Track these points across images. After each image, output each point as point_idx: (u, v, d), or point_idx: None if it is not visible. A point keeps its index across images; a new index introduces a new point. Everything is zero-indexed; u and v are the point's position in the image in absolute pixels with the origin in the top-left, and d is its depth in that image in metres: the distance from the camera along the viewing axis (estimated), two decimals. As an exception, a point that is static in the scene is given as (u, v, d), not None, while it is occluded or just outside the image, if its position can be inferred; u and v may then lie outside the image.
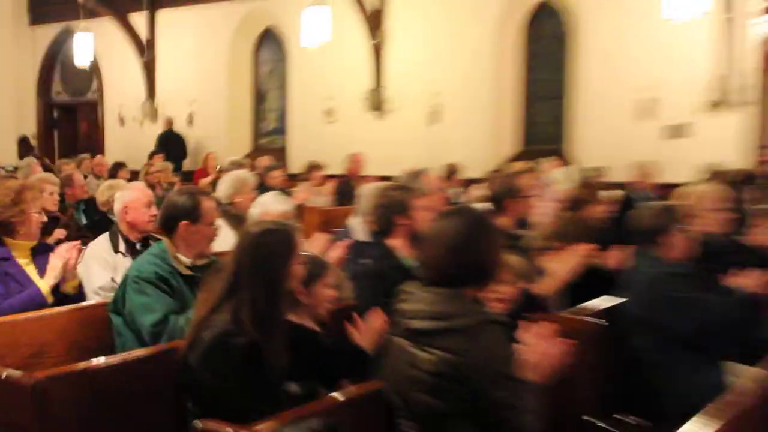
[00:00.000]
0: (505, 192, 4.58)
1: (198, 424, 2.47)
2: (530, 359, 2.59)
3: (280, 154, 13.57)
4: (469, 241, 2.60)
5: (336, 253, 4.04)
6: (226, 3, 14.32)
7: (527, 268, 3.80)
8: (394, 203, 3.95)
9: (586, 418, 3.31)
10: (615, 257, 4.62)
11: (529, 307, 3.52)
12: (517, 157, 11.22)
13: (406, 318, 2.62)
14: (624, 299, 3.96)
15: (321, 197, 8.99)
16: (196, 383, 2.85)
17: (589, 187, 5.70)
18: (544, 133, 12.33)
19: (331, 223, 6.68)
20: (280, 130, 14.81)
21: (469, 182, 9.11)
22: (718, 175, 7.22)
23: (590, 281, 4.39)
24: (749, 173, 7.19)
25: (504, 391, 2.47)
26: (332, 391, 2.87)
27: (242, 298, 2.79)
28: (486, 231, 2.67)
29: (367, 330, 3.11)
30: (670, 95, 10.44)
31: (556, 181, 8.08)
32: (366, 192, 4.39)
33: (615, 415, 3.26)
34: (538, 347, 2.61)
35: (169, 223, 3.65)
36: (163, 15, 15.22)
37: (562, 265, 4.07)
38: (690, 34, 10.00)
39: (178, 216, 3.61)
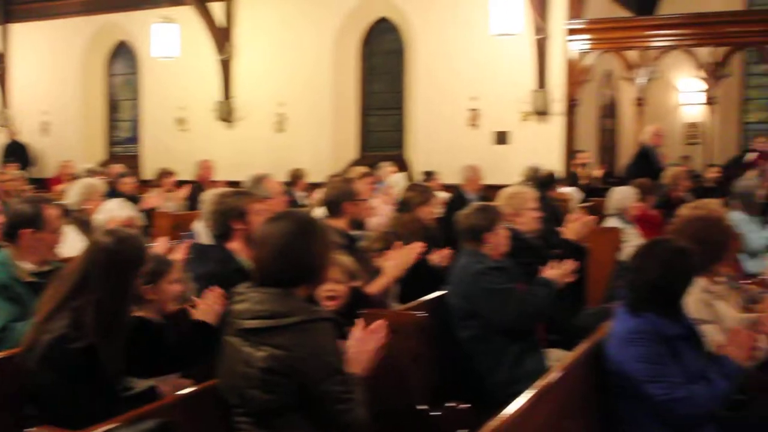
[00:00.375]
0: (342, 195, 4.72)
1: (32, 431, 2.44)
2: (356, 354, 2.73)
3: (133, 162, 13.90)
4: (296, 243, 2.71)
5: (177, 255, 4.06)
6: (79, 17, 14.65)
7: (359, 268, 3.95)
8: (230, 209, 4.03)
9: (419, 407, 3.44)
10: (444, 255, 4.88)
11: (361, 304, 3.66)
12: (358, 163, 11.63)
13: (239, 318, 2.69)
14: (450, 293, 4.20)
15: (172, 202, 9.05)
16: (35, 388, 2.83)
17: (422, 190, 5.96)
18: (384, 140, 13.16)
19: (181, 227, 6.78)
20: (134, 139, 15.23)
21: (313, 186, 9.36)
22: (533, 178, 7.77)
23: (421, 278, 4.63)
24: (554, 175, 7.76)
25: (333, 385, 2.59)
26: (184, 379, 2.90)
27: (87, 300, 2.80)
28: (312, 233, 2.78)
29: (206, 305, 3.14)
30: (494, 105, 11.36)
31: (392, 184, 8.37)
32: (206, 198, 4.43)
33: (447, 404, 3.41)
34: (363, 342, 2.76)
35: (12, 231, 3.63)
36: (16, 29, 15.44)
37: (394, 264, 4.24)
38: (511, 50, 10.92)
39: (21, 224, 3.61)
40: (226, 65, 13.33)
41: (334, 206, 4.70)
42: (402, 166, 11.49)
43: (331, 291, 3.58)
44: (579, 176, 9.99)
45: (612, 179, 10.71)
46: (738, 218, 6.49)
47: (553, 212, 6.61)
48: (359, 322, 2.85)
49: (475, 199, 7.38)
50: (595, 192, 9.23)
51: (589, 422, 3.22)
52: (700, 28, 10.86)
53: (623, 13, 13.23)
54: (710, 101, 11.01)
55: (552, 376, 2.91)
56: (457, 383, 4.05)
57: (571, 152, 11.07)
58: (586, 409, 3.21)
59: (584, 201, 8.62)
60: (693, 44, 10.89)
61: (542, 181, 7.44)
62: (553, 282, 4.10)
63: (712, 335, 3.51)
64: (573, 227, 4.91)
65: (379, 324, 2.81)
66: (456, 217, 4.46)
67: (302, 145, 12.65)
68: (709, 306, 3.70)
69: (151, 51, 12.92)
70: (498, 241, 4.23)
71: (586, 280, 5.64)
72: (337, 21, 12.66)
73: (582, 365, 3.18)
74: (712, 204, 5.18)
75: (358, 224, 4.76)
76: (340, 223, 4.57)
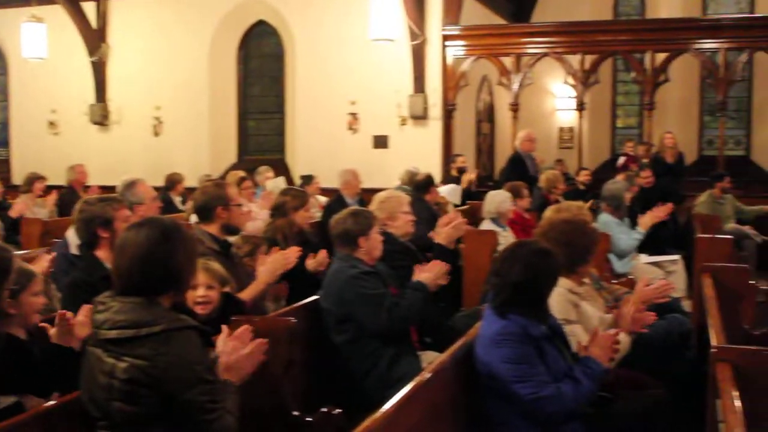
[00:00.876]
0: (214, 200, 4.61)
1: None
2: (231, 361, 2.68)
3: (3, 166, 13.73)
4: (158, 251, 2.63)
5: (42, 265, 3.97)
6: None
7: (229, 273, 3.89)
8: (95, 216, 3.93)
9: (292, 413, 3.41)
10: (320, 259, 4.87)
11: (233, 310, 3.61)
12: (236, 167, 11.52)
13: (100, 328, 2.59)
14: (324, 298, 4.18)
15: (43, 208, 8.78)
16: None
17: (297, 194, 5.92)
18: (264, 145, 13.17)
19: (51, 234, 6.69)
20: (4, 143, 14.76)
21: (191, 191, 9.19)
22: (411, 181, 7.88)
23: (298, 283, 4.60)
24: (431, 178, 7.91)
25: (199, 394, 2.52)
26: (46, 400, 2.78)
27: None
28: (176, 240, 2.70)
29: (62, 328, 3.01)
30: (373, 110, 11.55)
31: (271, 189, 8.29)
32: (76, 206, 4.28)
33: (322, 409, 3.39)
34: (236, 349, 2.71)
35: None
36: None
37: (267, 269, 4.20)
38: (389, 55, 11.14)
39: None
40: (99, 67, 13.02)
41: (205, 211, 4.58)
42: (283, 170, 11.47)
43: (203, 297, 3.55)
44: (458, 180, 10.18)
45: (490, 183, 11.00)
46: (606, 220, 6.87)
47: (432, 215, 6.70)
48: (225, 329, 2.81)
49: (354, 203, 7.41)
50: (473, 195, 9.42)
51: (460, 423, 3.26)
52: (571, 36, 11.35)
53: (498, 20, 13.69)
54: (581, 107, 11.46)
55: (421, 378, 2.94)
56: (331, 388, 4.05)
57: (449, 156, 11.28)
58: (456, 411, 3.26)
59: (461, 204, 8.76)
60: (564, 52, 11.31)
61: (419, 185, 7.53)
62: (426, 285, 4.12)
63: (578, 335, 3.61)
64: (444, 231, 4.94)
65: (244, 330, 2.77)
66: (331, 222, 4.45)
67: (180, 149, 12.48)
68: (575, 306, 3.80)
69: (21, 51, 12.44)
70: (371, 246, 4.24)
71: (461, 282, 5.74)
72: (214, 23, 12.54)
73: (452, 367, 3.22)
74: (576, 206, 5.32)
75: (233, 230, 4.66)
76: (212, 228, 4.46)
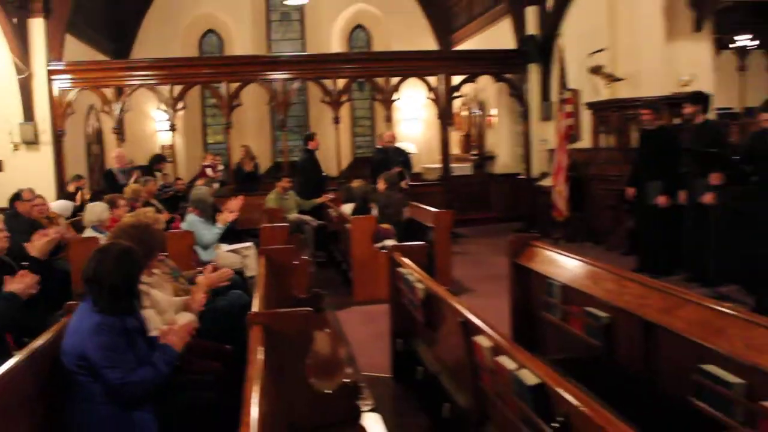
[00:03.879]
0: None
1: None
2: None
3: None
4: None
5: None
6: None
7: None
8: None
9: None
10: None
11: None
12: None
13: None
14: None
15: None
16: None
17: None
18: None
19: None
20: None
21: None
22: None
23: None
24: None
25: None
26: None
27: None
28: None
29: None
30: None
31: None
32: None
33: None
34: None
35: None
36: None
37: None
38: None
39: None
40: None
41: None
42: None
43: None
44: (73, 196, 10.77)
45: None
46: (192, 220, 7.51)
47: (31, 227, 6.84)
48: None
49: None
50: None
51: (37, 420, 2.99)
52: (163, 70, 12.69)
53: (101, 56, 14.70)
54: (173, 128, 12.97)
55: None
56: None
57: (63, 176, 11.99)
58: (33, 407, 2.97)
59: (72, 217, 9.07)
60: (157, 83, 12.71)
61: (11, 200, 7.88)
62: (16, 295, 4.03)
63: (151, 318, 3.82)
64: (36, 244, 5.08)
65: None
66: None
67: None
68: (146, 294, 3.95)
69: None
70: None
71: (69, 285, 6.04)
72: None
73: (30, 364, 2.99)
74: (143, 212, 5.75)
75: None
76: None
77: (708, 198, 7.55)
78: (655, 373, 3.38)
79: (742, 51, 11.97)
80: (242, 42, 17.26)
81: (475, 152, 16.40)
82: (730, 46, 11.82)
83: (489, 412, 3.23)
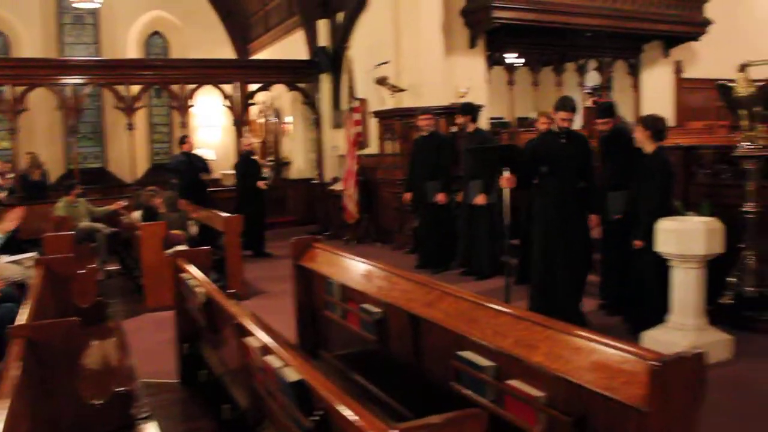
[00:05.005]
0: None
1: None
2: None
3: None
4: None
5: None
6: None
7: None
8: None
9: None
10: None
11: None
12: None
13: None
14: None
15: None
16: None
17: None
18: None
19: None
20: None
21: None
22: None
23: None
24: None
25: None
26: None
27: None
28: None
29: None
30: None
31: None
32: None
33: None
34: None
35: None
36: None
37: None
38: None
39: None
40: None
41: None
42: None
43: None
44: None
45: None
46: None
47: None
48: None
49: None
50: None
51: None
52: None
53: None
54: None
55: None
56: None
57: None
58: None
59: None
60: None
61: None
62: None
63: None
64: None
65: None
66: None
67: None
68: None
69: None
70: None
71: None
72: None
73: None
74: None
75: None
76: None
77: (479, 200, 8.04)
78: (422, 361, 3.50)
79: (511, 67, 12.84)
80: (32, 43, 15.88)
81: (271, 158, 16.33)
82: (502, 62, 12.65)
83: (265, 410, 3.18)
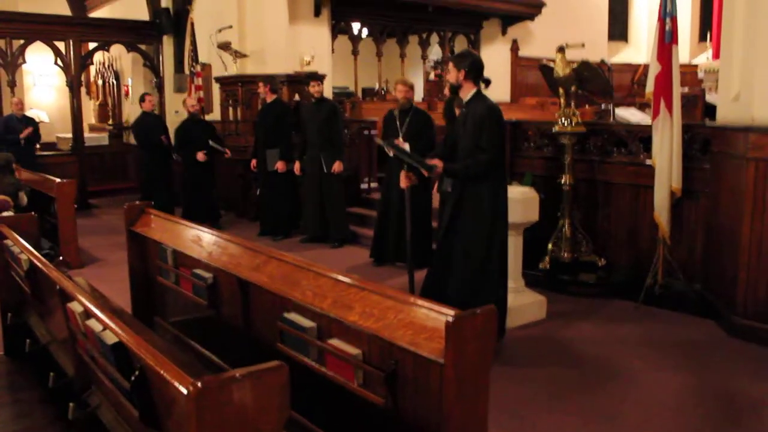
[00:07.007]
0: None
1: None
2: None
3: None
4: None
5: None
6: None
7: None
8: None
9: None
10: None
11: None
12: None
13: None
14: None
15: None
16: None
17: None
18: None
19: None
20: None
21: None
22: None
23: None
24: None
25: None
26: None
27: None
28: None
29: None
30: None
31: None
32: None
33: None
34: None
35: None
36: None
37: None
38: None
39: None
40: None
41: None
42: None
43: None
44: None
45: None
46: None
47: None
48: None
49: None
50: None
51: None
52: None
53: None
54: None
55: None
56: None
57: None
58: None
59: None
60: None
61: None
62: None
63: None
64: None
65: None
66: None
67: None
68: None
69: None
70: None
71: None
72: None
73: None
74: None
75: None
76: None
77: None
78: (251, 324, 3.61)
79: (356, 37, 12.99)
80: None
81: (111, 122, 15.62)
82: (347, 32, 12.77)
83: (91, 376, 3.19)
